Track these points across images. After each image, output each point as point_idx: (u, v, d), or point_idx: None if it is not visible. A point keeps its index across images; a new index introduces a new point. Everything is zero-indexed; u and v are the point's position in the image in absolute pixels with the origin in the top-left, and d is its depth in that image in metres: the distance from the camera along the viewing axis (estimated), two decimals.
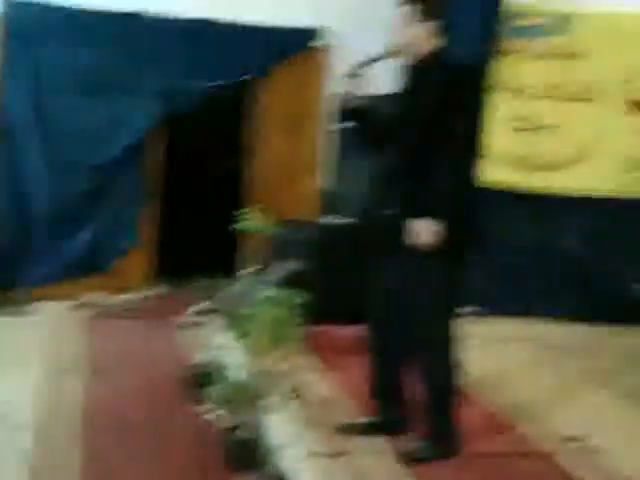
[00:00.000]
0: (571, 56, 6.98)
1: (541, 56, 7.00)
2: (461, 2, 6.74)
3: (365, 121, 4.13)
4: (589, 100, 7.02)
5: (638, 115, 7.03)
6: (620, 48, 6.92)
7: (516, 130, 7.05)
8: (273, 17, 7.06)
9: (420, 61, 4.00)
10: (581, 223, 7.05)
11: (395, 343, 4.19)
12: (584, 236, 7.06)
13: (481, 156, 6.76)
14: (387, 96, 4.20)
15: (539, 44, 7.00)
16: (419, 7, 3.96)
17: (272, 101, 7.38)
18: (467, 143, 3.94)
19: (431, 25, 3.97)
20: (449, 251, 3.92)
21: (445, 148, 3.86)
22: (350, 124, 4.20)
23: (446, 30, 4.01)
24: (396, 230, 3.94)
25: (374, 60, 4.06)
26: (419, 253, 3.90)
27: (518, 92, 7.03)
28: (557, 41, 6.98)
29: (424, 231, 3.86)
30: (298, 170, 7.44)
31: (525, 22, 7.01)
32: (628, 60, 6.92)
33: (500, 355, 6.02)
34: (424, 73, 3.98)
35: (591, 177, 7.05)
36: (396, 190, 3.98)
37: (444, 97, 3.86)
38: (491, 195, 6.90)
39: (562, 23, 6.97)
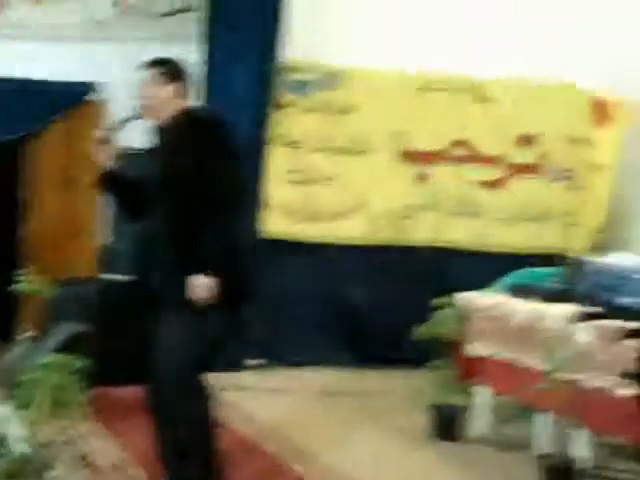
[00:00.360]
0: (342, 110, 7.23)
1: (314, 110, 7.20)
2: (237, 56, 6.86)
3: (119, 186, 4.14)
4: (362, 152, 7.28)
5: (408, 166, 7.35)
6: (387, 103, 7.24)
7: (293, 182, 7.20)
8: (47, 71, 6.92)
9: (168, 121, 4.07)
10: (358, 271, 7.26)
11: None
12: (361, 284, 7.26)
13: (258, 208, 6.92)
14: (138, 156, 4.22)
15: (312, 99, 7.19)
16: (162, 70, 4.08)
17: (48, 156, 7.21)
18: (233, 196, 3.99)
19: (176, 86, 4.08)
20: (221, 305, 3.94)
21: (209, 203, 3.90)
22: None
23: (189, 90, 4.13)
24: (167, 287, 3.95)
25: (124, 122, 4.12)
26: (187, 310, 3.90)
27: (294, 145, 7.18)
28: (329, 96, 7.20)
29: (199, 286, 3.87)
30: (76, 226, 7.27)
31: (299, 77, 7.19)
32: (395, 114, 7.24)
33: (282, 404, 6.09)
34: (173, 133, 4.05)
35: (366, 226, 7.29)
36: (165, 248, 3.98)
37: (196, 154, 3.93)
38: (271, 246, 7.04)
39: (333, 79, 7.21)
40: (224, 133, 4.11)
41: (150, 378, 4.14)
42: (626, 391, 4.20)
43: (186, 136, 4.00)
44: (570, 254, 6.68)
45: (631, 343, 3.48)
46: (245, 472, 4.19)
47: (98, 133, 4.12)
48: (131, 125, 4.12)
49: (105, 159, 4.08)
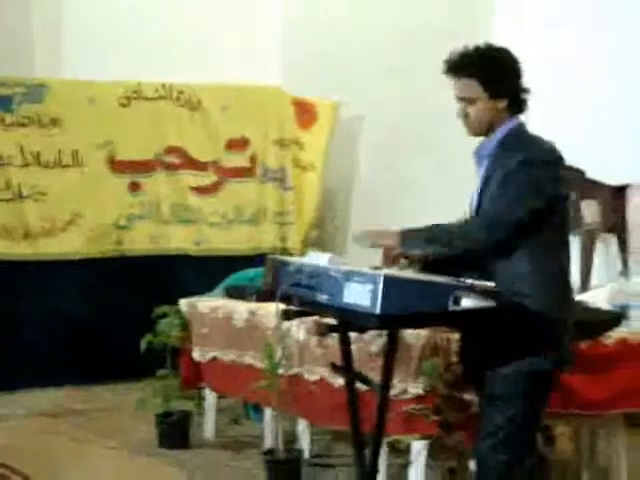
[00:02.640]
0: (49, 124, 7.05)
1: (21, 125, 6.99)
2: None
3: None
4: (71, 165, 7.14)
5: (119, 176, 7.30)
6: (93, 114, 7.14)
7: (2, 200, 6.95)
8: None
9: None
10: (81, 286, 7.13)
11: None
12: (86, 299, 7.14)
13: None
14: None
15: (18, 113, 6.97)
16: None
17: None
18: None
19: None
20: None
21: None
22: None
23: None
24: None
25: None
26: None
27: (0, 162, 6.94)
28: (35, 110, 7.01)
29: None
30: None
31: (2, 92, 6.95)
32: (101, 125, 7.16)
33: (7, 431, 5.91)
34: None
35: (83, 240, 7.17)
36: None
37: None
38: None
39: (39, 92, 7.02)
40: None
41: None
42: (338, 381, 4.40)
43: None
44: (286, 253, 6.89)
45: (335, 336, 3.64)
46: None
47: None
48: None
49: None
